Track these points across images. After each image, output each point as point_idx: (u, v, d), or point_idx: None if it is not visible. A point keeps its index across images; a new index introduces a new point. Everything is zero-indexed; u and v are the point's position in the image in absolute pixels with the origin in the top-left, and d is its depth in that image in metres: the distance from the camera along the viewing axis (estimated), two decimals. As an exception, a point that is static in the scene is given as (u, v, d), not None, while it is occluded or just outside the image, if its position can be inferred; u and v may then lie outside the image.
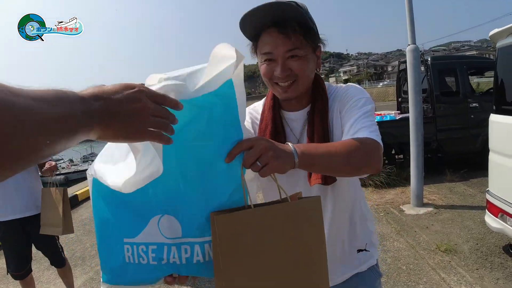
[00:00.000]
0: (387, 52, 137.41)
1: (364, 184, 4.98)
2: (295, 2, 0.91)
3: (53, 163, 2.48)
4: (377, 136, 0.88)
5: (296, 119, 1.08)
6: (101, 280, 0.74)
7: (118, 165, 0.68)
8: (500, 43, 2.77)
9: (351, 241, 1.10)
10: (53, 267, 2.76)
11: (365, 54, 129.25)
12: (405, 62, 4.82)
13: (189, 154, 0.65)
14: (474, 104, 5.38)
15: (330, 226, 1.05)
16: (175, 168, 0.65)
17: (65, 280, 2.78)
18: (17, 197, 2.37)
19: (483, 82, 13.76)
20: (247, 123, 1.12)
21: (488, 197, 2.84)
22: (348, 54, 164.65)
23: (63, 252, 2.71)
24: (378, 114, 5.86)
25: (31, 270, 2.57)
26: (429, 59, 5.57)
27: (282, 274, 0.68)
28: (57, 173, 2.48)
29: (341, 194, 1.05)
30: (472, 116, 5.35)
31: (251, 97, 72.70)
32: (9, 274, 2.53)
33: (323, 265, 0.77)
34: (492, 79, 3.55)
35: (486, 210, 2.89)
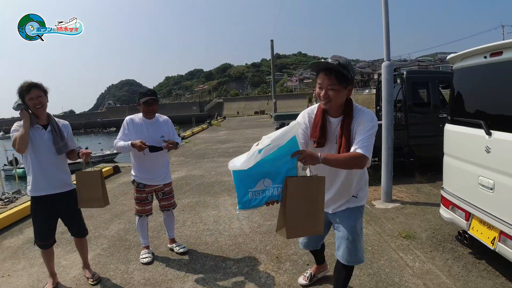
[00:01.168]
0: (374, 60, 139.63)
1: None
2: (338, 61, 1.82)
3: (88, 150, 2.90)
4: (368, 152, 1.82)
5: (333, 122, 2.00)
6: (237, 208, 1.76)
7: (240, 158, 1.69)
8: (456, 65, 3.34)
9: (350, 192, 2.09)
10: (61, 245, 3.14)
11: (352, 61, 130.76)
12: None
13: (278, 155, 1.69)
14: (443, 114, 5.98)
15: (342, 184, 2.05)
16: (271, 161, 1.68)
17: (81, 251, 3.10)
18: (51, 175, 2.77)
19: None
20: (305, 118, 2.08)
21: (442, 192, 3.40)
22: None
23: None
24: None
25: (55, 242, 2.96)
26: (404, 73, 6.16)
27: (303, 213, 1.70)
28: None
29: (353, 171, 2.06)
30: (441, 125, 5.95)
31: (238, 98, 73.39)
32: (35, 245, 2.90)
33: (321, 214, 1.75)
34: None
35: (441, 204, 3.45)
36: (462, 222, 3.02)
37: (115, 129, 54.92)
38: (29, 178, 2.78)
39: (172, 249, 3.52)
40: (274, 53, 32.14)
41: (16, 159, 25.98)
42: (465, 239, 3.15)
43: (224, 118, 41.14)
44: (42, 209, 2.81)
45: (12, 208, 5.07)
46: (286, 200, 1.64)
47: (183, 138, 15.89)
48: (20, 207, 5.06)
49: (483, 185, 2.69)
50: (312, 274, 2.75)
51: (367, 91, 58.20)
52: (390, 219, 4.12)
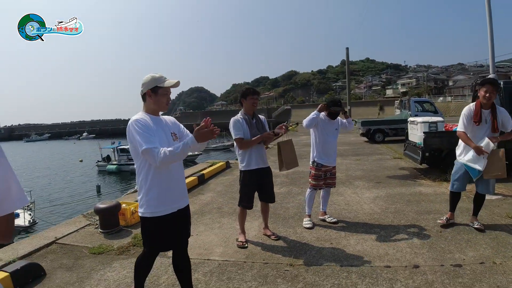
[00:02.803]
0: (448, 66, 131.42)
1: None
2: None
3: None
4: None
5: (486, 112, 3.98)
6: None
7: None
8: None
9: None
10: (224, 218, 4.41)
11: (424, 66, 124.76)
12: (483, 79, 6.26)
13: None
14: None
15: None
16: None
17: (265, 215, 4.34)
18: (259, 152, 3.95)
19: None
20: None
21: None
22: (406, 65, 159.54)
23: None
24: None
25: (252, 208, 4.13)
26: (502, 83, 6.90)
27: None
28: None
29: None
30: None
31: (304, 105, 74.26)
32: (240, 206, 4.10)
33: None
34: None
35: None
36: None
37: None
38: (245, 155, 3.90)
39: (324, 220, 4.82)
40: (341, 59, 32.77)
41: (108, 156, 29.99)
42: None
43: (297, 124, 42.40)
44: (252, 179, 3.95)
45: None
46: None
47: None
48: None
49: None
50: (448, 218, 4.31)
51: (441, 98, 55.52)
52: (496, 206, 5.05)
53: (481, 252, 3.56)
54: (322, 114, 4.58)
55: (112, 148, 30.17)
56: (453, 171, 4.34)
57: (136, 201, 3.98)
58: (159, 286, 3.22)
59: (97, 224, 5.09)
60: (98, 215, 4.91)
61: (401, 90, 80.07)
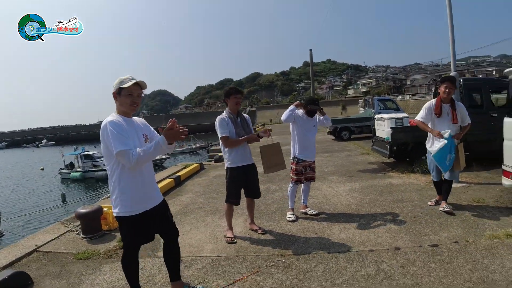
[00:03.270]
0: (405, 65, 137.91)
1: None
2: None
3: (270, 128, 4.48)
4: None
5: (447, 106, 4.50)
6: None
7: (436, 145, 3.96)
8: (511, 77, 4.73)
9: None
10: (208, 217, 4.54)
11: (383, 66, 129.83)
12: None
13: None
14: (494, 115, 7.25)
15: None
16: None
17: (250, 210, 4.46)
18: (244, 150, 4.09)
19: (501, 97, 15.48)
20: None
21: (504, 167, 4.75)
22: (365, 66, 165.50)
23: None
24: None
25: (239, 203, 4.22)
26: (461, 80, 7.48)
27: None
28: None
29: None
30: (492, 123, 7.21)
31: (269, 106, 75.16)
32: (227, 202, 4.20)
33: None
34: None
35: (502, 176, 4.80)
36: (520, 185, 4.39)
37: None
38: (231, 153, 4.01)
39: (306, 213, 5.01)
40: (303, 61, 33.59)
41: (71, 163, 28.84)
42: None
43: (264, 125, 42.81)
44: (239, 176, 4.08)
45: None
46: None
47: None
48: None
49: (535, 157, 4.07)
50: (436, 200, 4.81)
51: (400, 97, 58.25)
52: (462, 192, 5.49)
53: (454, 232, 3.90)
54: (301, 111, 4.79)
55: (75, 155, 29.02)
56: (428, 164, 4.90)
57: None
58: (155, 285, 3.25)
59: (77, 230, 5.00)
60: (80, 220, 4.82)
61: (362, 90, 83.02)
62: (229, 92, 4.13)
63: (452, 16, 5.81)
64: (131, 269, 2.82)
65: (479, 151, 7.33)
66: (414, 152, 7.72)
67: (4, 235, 11.57)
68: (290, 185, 4.90)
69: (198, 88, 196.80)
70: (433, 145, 4.56)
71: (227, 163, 4.14)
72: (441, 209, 4.61)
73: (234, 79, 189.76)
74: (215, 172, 9.44)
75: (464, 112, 4.57)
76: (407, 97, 57.29)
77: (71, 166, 29.04)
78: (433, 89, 9.04)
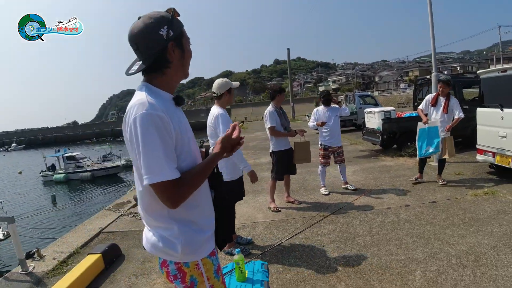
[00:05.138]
0: (373, 63, 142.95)
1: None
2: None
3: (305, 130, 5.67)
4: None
5: (442, 99, 5.64)
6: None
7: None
8: (482, 76, 6.15)
9: None
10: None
11: (351, 64, 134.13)
12: (422, 78, 8.20)
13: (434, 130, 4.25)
14: (465, 107, 8.73)
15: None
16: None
17: (286, 185, 5.57)
18: (285, 138, 5.30)
19: (472, 92, 17.45)
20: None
21: (478, 146, 6.15)
22: (335, 63, 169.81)
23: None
24: (406, 112, 9.27)
25: (283, 179, 5.55)
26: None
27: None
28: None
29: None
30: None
31: (243, 104, 75.84)
32: (273, 179, 5.47)
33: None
34: (475, 89, 7.01)
35: (477, 153, 6.20)
36: (490, 159, 5.79)
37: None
38: (277, 140, 5.25)
39: (347, 188, 6.10)
40: (274, 59, 34.75)
41: (53, 165, 28.63)
42: (492, 167, 5.93)
43: (243, 122, 43.79)
44: (283, 156, 5.21)
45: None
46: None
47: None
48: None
49: (501, 136, 5.45)
50: (417, 178, 5.85)
51: (369, 93, 60.87)
52: (445, 169, 6.84)
53: (445, 194, 5.24)
54: (321, 107, 5.96)
55: (57, 156, 28.95)
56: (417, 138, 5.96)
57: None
58: (155, 285, 4.29)
59: (131, 213, 5.86)
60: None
61: (333, 87, 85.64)
62: (279, 91, 5.25)
63: (433, 21, 7.22)
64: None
65: (455, 136, 8.80)
66: (401, 140, 9.11)
67: (10, 235, 11.99)
68: (320, 167, 6.04)
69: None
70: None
71: (273, 147, 5.23)
72: (438, 181, 5.87)
73: (205, 78, 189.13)
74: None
75: (456, 105, 5.56)
76: (376, 93, 59.99)
77: (52, 168, 28.89)
78: (412, 87, 10.38)
